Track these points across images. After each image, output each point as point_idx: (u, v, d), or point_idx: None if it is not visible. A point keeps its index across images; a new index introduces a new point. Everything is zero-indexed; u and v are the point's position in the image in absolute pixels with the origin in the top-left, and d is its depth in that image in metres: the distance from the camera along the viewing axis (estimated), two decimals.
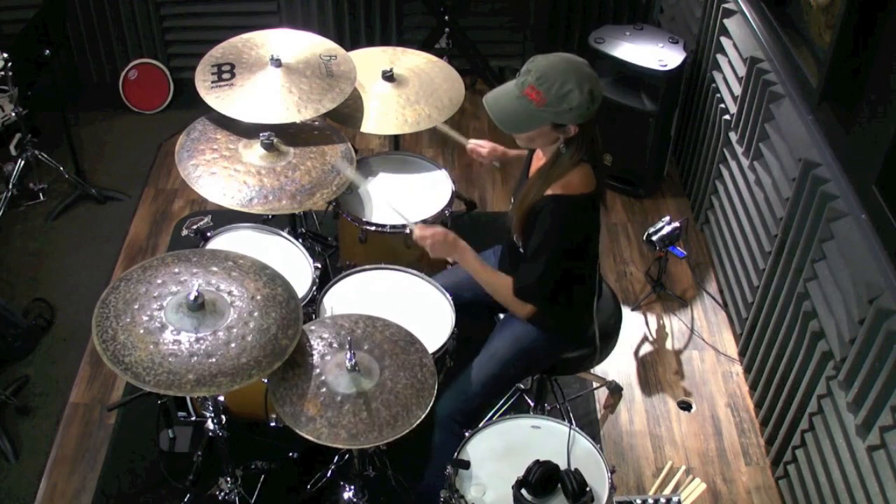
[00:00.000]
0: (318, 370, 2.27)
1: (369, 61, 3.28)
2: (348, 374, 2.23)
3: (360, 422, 2.15)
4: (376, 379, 2.25)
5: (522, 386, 3.09)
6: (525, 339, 2.60)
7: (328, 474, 2.83)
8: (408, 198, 3.12)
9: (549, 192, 2.34)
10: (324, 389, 2.22)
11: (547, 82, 2.21)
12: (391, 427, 2.15)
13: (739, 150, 3.45)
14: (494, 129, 4.82)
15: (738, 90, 3.46)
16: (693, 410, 3.25)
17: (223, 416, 2.52)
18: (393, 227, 2.97)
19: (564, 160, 2.33)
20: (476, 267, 2.54)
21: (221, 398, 2.52)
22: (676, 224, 3.43)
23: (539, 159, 2.48)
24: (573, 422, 2.60)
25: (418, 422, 2.18)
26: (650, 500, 2.40)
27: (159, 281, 2.28)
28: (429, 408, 2.22)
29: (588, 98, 2.21)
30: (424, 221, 2.99)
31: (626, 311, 3.58)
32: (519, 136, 2.38)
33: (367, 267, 2.84)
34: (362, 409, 2.18)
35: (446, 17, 4.60)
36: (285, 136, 2.94)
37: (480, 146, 2.93)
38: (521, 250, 2.49)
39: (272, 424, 2.55)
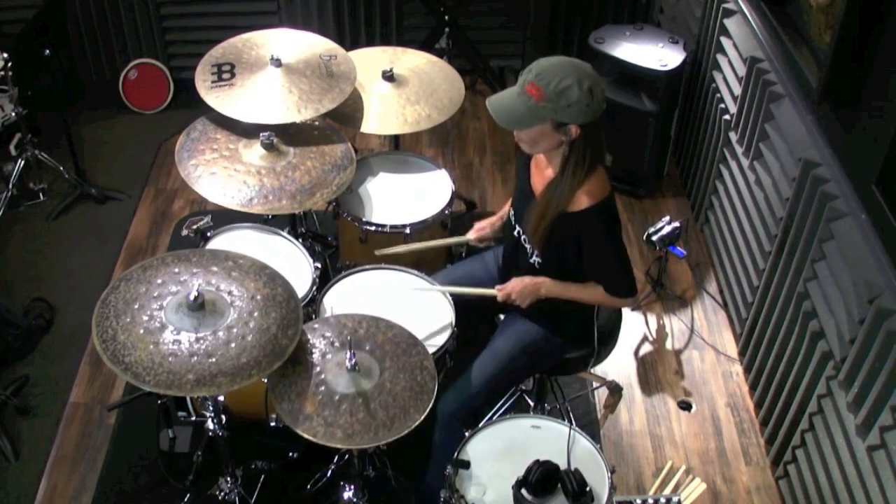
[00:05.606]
0: (318, 368, 2.27)
1: (369, 61, 3.28)
2: (348, 374, 2.22)
3: (357, 422, 2.15)
4: (376, 380, 2.24)
5: (523, 386, 3.08)
6: (528, 338, 2.60)
7: (328, 474, 2.83)
8: (408, 198, 3.13)
9: (577, 207, 2.32)
10: (322, 388, 2.21)
11: (546, 78, 2.21)
12: (388, 429, 2.15)
13: (739, 150, 3.45)
14: (494, 131, 4.80)
15: (738, 90, 3.46)
16: (693, 410, 3.25)
17: (223, 416, 2.52)
18: (392, 226, 2.97)
19: (572, 167, 2.31)
20: (561, 289, 2.51)
21: (221, 398, 2.52)
22: (676, 224, 3.43)
23: (541, 169, 2.46)
24: (573, 422, 2.60)
25: (415, 425, 2.17)
26: (650, 500, 2.40)
27: (159, 281, 2.28)
28: (426, 412, 2.21)
29: (587, 95, 2.20)
30: (424, 221, 2.99)
31: (626, 311, 3.57)
32: (522, 139, 2.35)
33: (367, 267, 2.84)
34: (360, 409, 2.17)
35: (446, 17, 4.59)
36: (285, 136, 2.94)
37: (482, 228, 2.84)
38: (535, 258, 2.48)
39: (272, 424, 2.55)
